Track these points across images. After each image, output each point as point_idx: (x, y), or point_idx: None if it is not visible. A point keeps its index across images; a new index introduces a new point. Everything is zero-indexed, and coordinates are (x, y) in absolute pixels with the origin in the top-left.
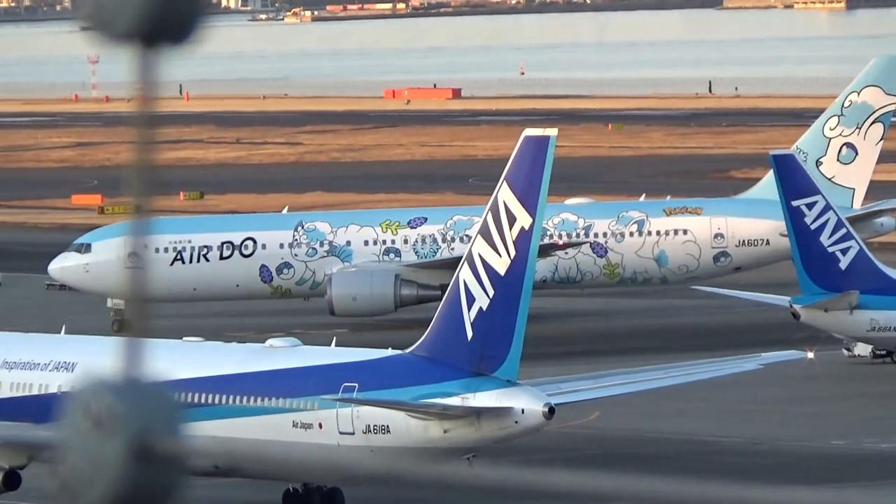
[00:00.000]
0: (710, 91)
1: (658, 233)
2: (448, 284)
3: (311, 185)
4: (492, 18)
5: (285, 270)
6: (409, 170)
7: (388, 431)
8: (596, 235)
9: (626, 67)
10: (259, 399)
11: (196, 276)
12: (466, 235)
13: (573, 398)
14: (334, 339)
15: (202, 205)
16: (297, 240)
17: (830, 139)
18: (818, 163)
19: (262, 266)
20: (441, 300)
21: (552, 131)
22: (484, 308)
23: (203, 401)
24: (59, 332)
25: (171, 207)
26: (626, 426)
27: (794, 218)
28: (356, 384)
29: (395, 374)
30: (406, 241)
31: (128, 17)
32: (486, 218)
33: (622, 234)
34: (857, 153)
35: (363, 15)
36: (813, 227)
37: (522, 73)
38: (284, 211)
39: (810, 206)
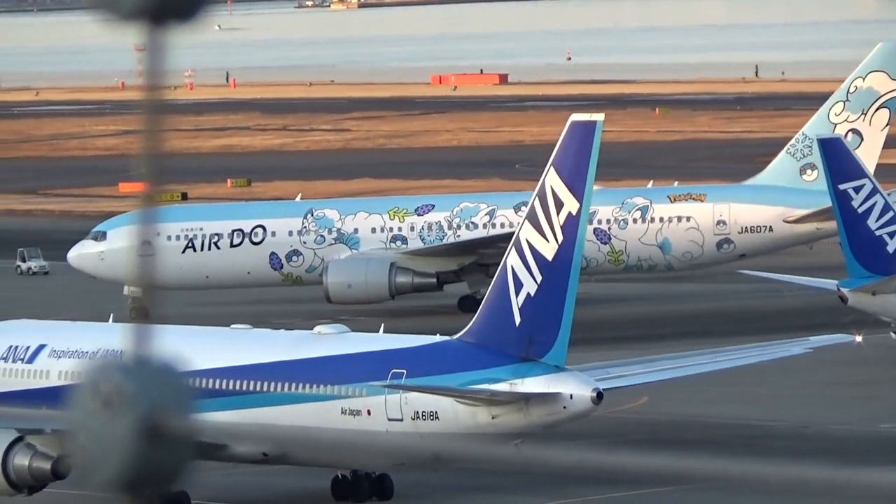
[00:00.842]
0: (757, 75)
1: (661, 220)
2: (443, 272)
3: (357, 172)
4: (538, 4)
5: (294, 258)
6: (456, 156)
7: (437, 418)
8: (599, 222)
9: (673, 52)
10: (307, 386)
11: (207, 263)
12: (472, 223)
13: (621, 383)
14: (382, 325)
15: (249, 192)
16: (305, 227)
17: (836, 125)
18: None
19: (272, 254)
20: (435, 288)
21: (599, 116)
22: (532, 293)
23: (251, 388)
24: (107, 321)
25: (218, 195)
26: (674, 411)
27: (840, 201)
28: (404, 370)
29: (443, 360)
30: (413, 229)
31: None
32: (533, 203)
33: (625, 221)
34: (862, 139)
35: (410, 1)
36: (860, 210)
37: (569, 59)
38: (297, 198)
39: (857, 189)
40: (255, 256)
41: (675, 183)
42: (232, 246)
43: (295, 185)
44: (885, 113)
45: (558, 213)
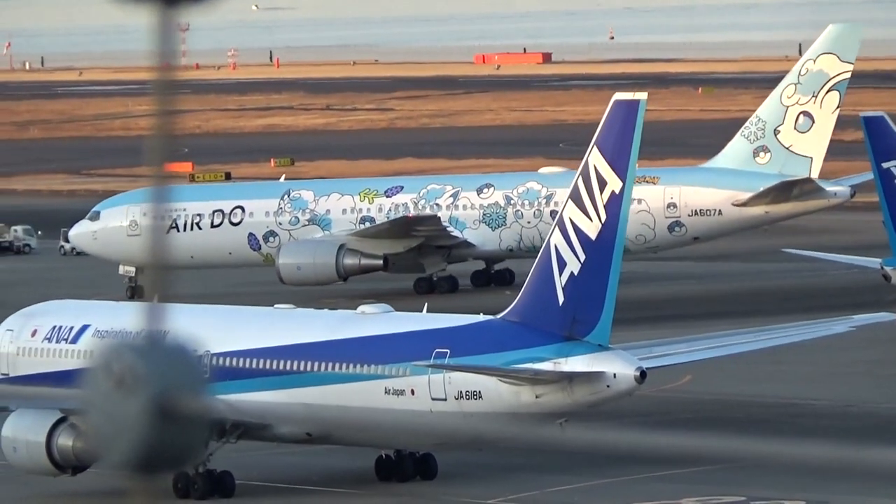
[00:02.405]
0: (800, 53)
1: None
2: (391, 254)
3: (401, 151)
4: None
5: (271, 238)
6: (499, 135)
7: (480, 397)
8: (556, 204)
9: (716, 30)
10: (351, 366)
11: (190, 243)
12: (437, 204)
13: (665, 362)
14: (426, 304)
15: (293, 171)
16: (281, 208)
17: (788, 107)
18: (776, 131)
19: (250, 234)
20: (382, 270)
21: (642, 95)
22: (575, 273)
23: (295, 368)
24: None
25: (262, 174)
26: (717, 390)
27: (884, 180)
28: (448, 350)
29: (486, 339)
30: (381, 210)
31: None
32: (576, 182)
33: None
34: (813, 121)
35: None
36: None
37: (612, 38)
38: (282, 179)
39: None
40: (234, 237)
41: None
42: (212, 226)
43: (339, 164)
44: (835, 95)
45: (601, 192)
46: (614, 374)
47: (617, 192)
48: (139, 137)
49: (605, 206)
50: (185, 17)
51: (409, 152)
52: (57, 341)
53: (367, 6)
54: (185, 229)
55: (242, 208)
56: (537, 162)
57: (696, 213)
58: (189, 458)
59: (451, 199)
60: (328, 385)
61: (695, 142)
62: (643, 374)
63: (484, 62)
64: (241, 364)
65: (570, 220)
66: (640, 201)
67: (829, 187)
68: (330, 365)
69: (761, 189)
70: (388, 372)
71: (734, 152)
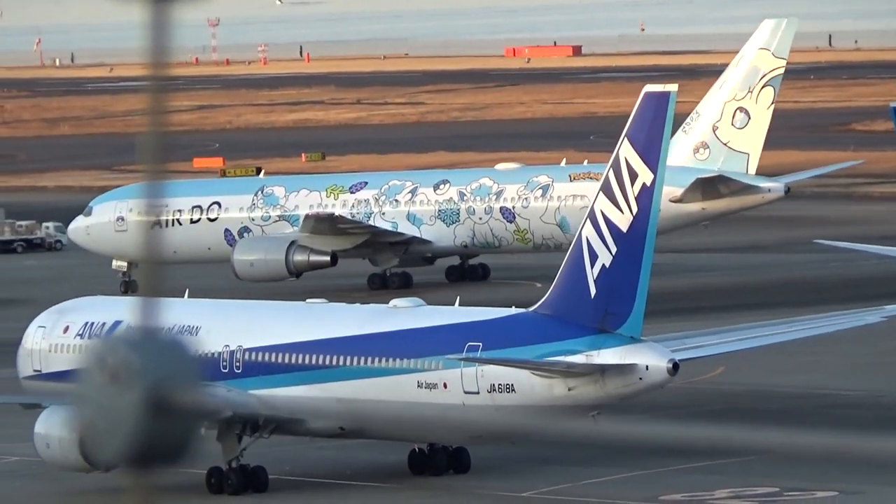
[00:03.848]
0: (830, 44)
1: (560, 198)
2: (340, 250)
3: (432, 145)
4: None
5: (245, 234)
6: (530, 128)
7: (513, 390)
8: (505, 200)
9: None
10: (383, 360)
11: (172, 239)
12: (396, 200)
13: (697, 354)
14: (458, 298)
15: (324, 166)
16: (255, 204)
17: (725, 103)
18: (714, 127)
19: (226, 230)
20: (330, 266)
21: (672, 87)
22: (607, 265)
23: (328, 362)
24: (182, 296)
25: (293, 169)
26: (750, 381)
27: None
28: (480, 343)
29: (518, 332)
30: (344, 205)
31: None
32: (607, 174)
33: (528, 200)
34: (749, 117)
35: None
36: None
37: (643, 30)
38: (261, 175)
39: None
40: (211, 232)
41: (585, 161)
42: (192, 222)
43: (370, 158)
44: (770, 91)
45: (632, 185)
46: (647, 367)
47: (648, 184)
48: (171, 133)
49: (636, 199)
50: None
51: (440, 146)
52: (89, 337)
53: (396, 0)
54: (166, 225)
55: (219, 204)
56: (568, 155)
57: None
58: (184, 452)
59: (410, 196)
60: (361, 379)
61: None
62: (676, 365)
63: (514, 55)
64: (273, 359)
65: (602, 212)
66: (582, 197)
67: (764, 183)
68: (362, 359)
69: (687, 185)
70: (420, 366)
71: (676, 148)
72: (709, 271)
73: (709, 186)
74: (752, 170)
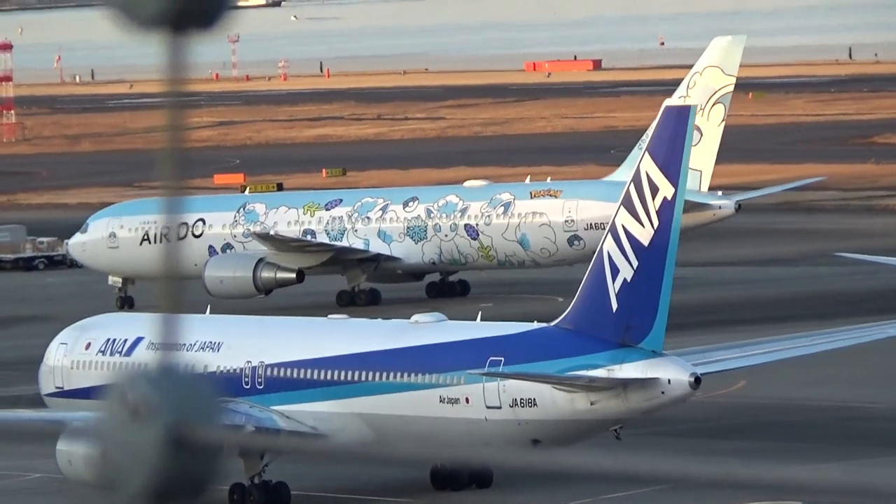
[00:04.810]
0: (851, 57)
1: (520, 215)
2: (306, 267)
3: (453, 160)
4: None
5: (228, 251)
6: (551, 142)
7: (535, 405)
8: (469, 217)
9: (765, 35)
10: (405, 375)
11: (160, 255)
12: (367, 217)
13: (719, 367)
14: (479, 313)
15: (344, 181)
16: (236, 220)
17: None
18: None
19: (210, 246)
20: (296, 283)
21: (693, 101)
22: (628, 279)
23: (349, 378)
24: (204, 312)
25: (314, 185)
26: (773, 394)
27: None
28: (502, 358)
29: (540, 347)
30: (320, 222)
31: (155, 3)
32: (628, 189)
33: (490, 217)
34: (702, 135)
35: None
36: None
37: (662, 44)
38: (247, 192)
39: None
40: (196, 249)
41: (549, 178)
42: (178, 239)
43: (390, 173)
44: (720, 108)
45: (653, 199)
46: (669, 381)
47: (669, 198)
48: (191, 149)
49: (657, 213)
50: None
51: (461, 161)
52: (111, 354)
53: (416, 15)
54: (155, 241)
55: (204, 221)
56: (589, 169)
57: (592, 227)
58: (204, 488)
59: (381, 213)
60: (383, 395)
61: (746, 147)
62: (698, 379)
63: (535, 70)
64: (295, 374)
65: (623, 226)
66: (542, 215)
67: (714, 201)
68: (384, 374)
69: None
70: (442, 381)
71: (632, 165)
72: (730, 285)
73: None
74: (705, 187)
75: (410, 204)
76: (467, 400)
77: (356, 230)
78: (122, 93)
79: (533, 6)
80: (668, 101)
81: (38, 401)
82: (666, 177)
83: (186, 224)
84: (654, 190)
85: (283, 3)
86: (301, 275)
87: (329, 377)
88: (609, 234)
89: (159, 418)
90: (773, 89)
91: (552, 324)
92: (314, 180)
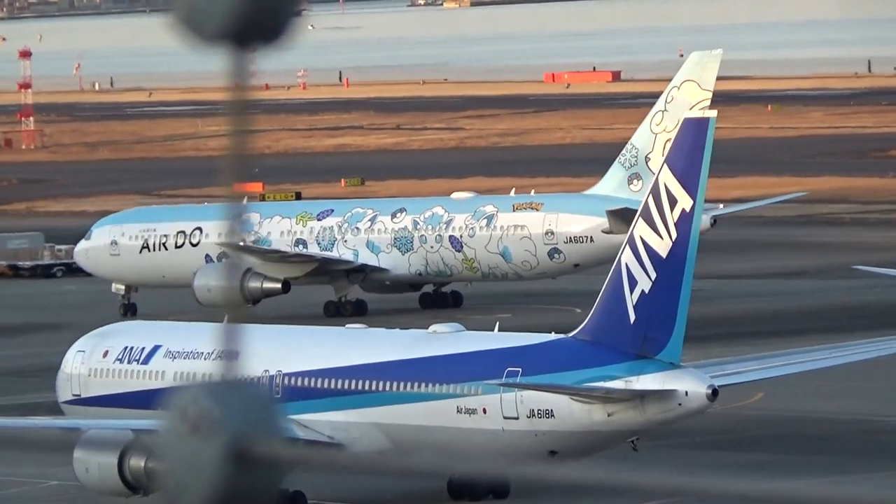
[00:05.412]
0: (870, 70)
1: (502, 228)
2: (291, 278)
3: (471, 171)
4: (650, 0)
5: (224, 259)
6: (570, 153)
7: (552, 416)
8: (454, 229)
9: (785, 48)
10: (423, 385)
11: (161, 263)
12: (357, 228)
13: (737, 380)
14: (497, 323)
15: (363, 191)
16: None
17: (657, 135)
18: (647, 158)
19: (207, 255)
20: (281, 293)
21: (712, 113)
22: (646, 291)
23: (367, 388)
24: (222, 321)
25: (333, 194)
26: (790, 407)
27: None
28: (520, 369)
29: (558, 358)
30: (311, 232)
31: (219, 17)
32: (646, 200)
33: (474, 229)
34: None
35: None
36: None
37: (681, 55)
38: (244, 201)
39: None
40: (194, 258)
41: (532, 191)
42: (176, 247)
43: (409, 183)
44: None
45: (672, 210)
46: (686, 392)
47: (687, 210)
48: (209, 158)
49: (675, 224)
50: (258, 58)
51: (479, 171)
52: (128, 362)
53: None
54: (155, 249)
55: (201, 229)
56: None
57: (572, 240)
58: (266, 501)
59: (370, 223)
60: (400, 405)
61: (765, 159)
62: (715, 391)
63: (554, 81)
64: (312, 384)
65: (641, 238)
66: (523, 227)
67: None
68: (402, 384)
69: (615, 208)
70: (460, 391)
71: (611, 179)
72: (748, 297)
73: (629, 217)
74: None
75: (398, 215)
76: (484, 411)
77: (346, 241)
78: (141, 101)
79: (553, 17)
80: (688, 113)
81: (55, 408)
82: (684, 188)
83: (184, 233)
84: (673, 202)
85: (302, 13)
86: (287, 285)
87: (346, 387)
88: (627, 246)
89: (220, 432)
90: (792, 102)
91: (570, 335)
92: (333, 189)
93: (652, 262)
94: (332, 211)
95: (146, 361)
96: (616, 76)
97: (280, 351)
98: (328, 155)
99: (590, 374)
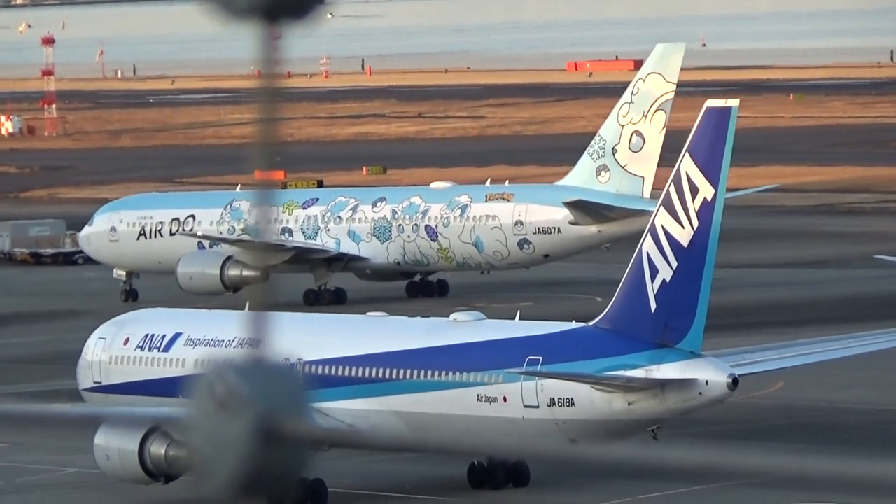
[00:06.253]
0: (892, 60)
1: (475, 218)
2: (271, 266)
3: (493, 159)
4: None
5: (216, 247)
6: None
7: (573, 404)
8: (430, 219)
9: (807, 37)
10: (444, 373)
11: (156, 250)
12: (339, 217)
13: (757, 369)
14: (518, 312)
15: (385, 179)
16: (223, 218)
17: (623, 126)
18: (614, 150)
19: (199, 242)
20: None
21: (734, 102)
22: (667, 280)
23: (388, 376)
24: (243, 308)
25: (354, 182)
26: (810, 396)
27: None
28: (540, 357)
29: (578, 346)
30: (296, 221)
31: None
32: (668, 189)
33: (448, 219)
34: (644, 141)
35: None
36: None
37: (704, 45)
38: (237, 189)
39: None
40: (187, 245)
41: (507, 182)
42: (171, 234)
43: (430, 172)
44: (662, 115)
45: (693, 199)
46: (706, 381)
47: (709, 198)
48: (231, 146)
49: (697, 213)
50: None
51: (501, 159)
52: (149, 350)
53: (458, 14)
54: (151, 236)
55: (194, 217)
56: None
57: (540, 231)
58: (291, 480)
59: (351, 212)
60: (421, 393)
61: (787, 148)
62: (735, 381)
63: (576, 69)
64: (333, 372)
65: (662, 226)
66: (494, 218)
67: (653, 208)
68: (422, 372)
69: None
70: (480, 379)
71: (581, 170)
72: (769, 287)
73: (592, 209)
74: (647, 193)
75: (378, 204)
76: (505, 399)
77: (329, 229)
78: (163, 88)
79: (575, 6)
80: (710, 102)
81: (76, 395)
82: (706, 177)
83: (178, 220)
84: (695, 191)
85: (325, 1)
86: (265, 273)
87: (367, 375)
88: (648, 235)
89: (248, 411)
90: (814, 91)
91: (590, 323)
92: (355, 178)
93: (673, 251)
94: (318, 199)
95: (167, 349)
96: (638, 65)
97: (301, 339)
98: (350, 143)
99: (610, 363)
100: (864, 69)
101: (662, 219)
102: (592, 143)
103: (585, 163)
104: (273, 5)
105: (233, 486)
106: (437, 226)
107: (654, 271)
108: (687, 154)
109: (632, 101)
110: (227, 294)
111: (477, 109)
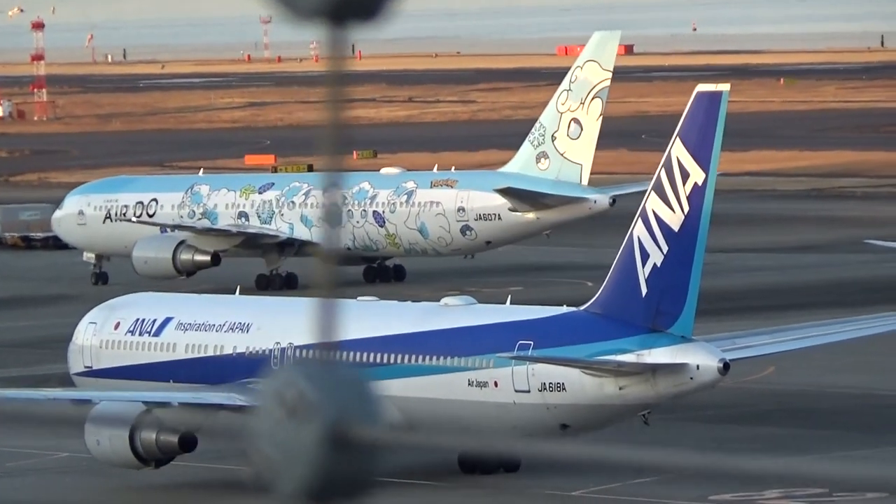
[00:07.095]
0: (883, 45)
1: (420, 204)
2: (221, 251)
3: (483, 143)
4: None
5: (172, 232)
6: None
7: (564, 389)
8: (377, 205)
9: (798, 22)
10: (435, 358)
11: (122, 233)
12: (292, 202)
13: (748, 353)
14: (509, 297)
15: (375, 163)
16: (184, 202)
17: (562, 114)
18: (553, 137)
19: (162, 227)
20: (210, 266)
21: (725, 86)
22: (658, 264)
23: (378, 360)
24: (234, 294)
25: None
26: (800, 381)
27: None
28: (531, 342)
29: (570, 331)
30: (252, 205)
31: None
32: (659, 174)
33: (395, 205)
34: (582, 129)
35: None
36: None
37: (695, 29)
38: (200, 173)
39: None
40: (150, 229)
41: (453, 168)
42: (136, 217)
43: (421, 156)
44: (598, 102)
45: (684, 184)
46: (697, 366)
47: (700, 183)
48: (222, 130)
49: (687, 198)
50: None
51: (491, 144)
52: (140, 334)
53: None
54: (115, 219)
55: (157, 201)
56: (621, 154)
57: (482, 218)
58: (363, 488)
59: (304, 197)
60: (412, 377)
61: (777, 133)
62: (726, 365)
63: (567, 54)
64: None
65: (653, 211)
66: (437, 204)
67: (590, 195)
68: (414, 357)
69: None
70: (471, 364)
71: (521, 157)
72: (759, 271)
73: (525, 196)
74: (585, 180)
75: (331, 189)
76: (496, 383)
77: (283, 214)
78: (153, 73)
79: None
80: (700, 87)
81: (66, 380)
82: (697, 162)
83: (142, 204)
84: (685, 175)
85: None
86: (217, 258)
87: (357, 359)
88: (639, 219)
89: (318, 417)
90: (805, 76)
91: (581, 308)
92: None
93: (664, 236)
94: (274, 184)
95: (158, 333)
96: (629, 50)
97: (292, 323)
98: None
99: (601, 348)
100: (854, 54)
101: (653, 203)
102: (533, 129)
103: (526, 150)
104: (340, 6)
105: (303, 493)
106: (384, 212)
107: (644, 256)
108: (678, 139)
109: (570, 89)
110: (179, 278)
111: (467, 94)
